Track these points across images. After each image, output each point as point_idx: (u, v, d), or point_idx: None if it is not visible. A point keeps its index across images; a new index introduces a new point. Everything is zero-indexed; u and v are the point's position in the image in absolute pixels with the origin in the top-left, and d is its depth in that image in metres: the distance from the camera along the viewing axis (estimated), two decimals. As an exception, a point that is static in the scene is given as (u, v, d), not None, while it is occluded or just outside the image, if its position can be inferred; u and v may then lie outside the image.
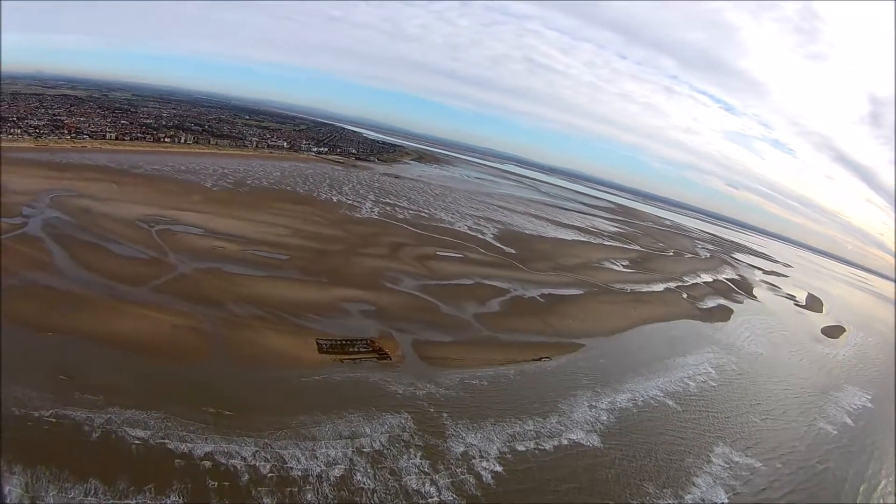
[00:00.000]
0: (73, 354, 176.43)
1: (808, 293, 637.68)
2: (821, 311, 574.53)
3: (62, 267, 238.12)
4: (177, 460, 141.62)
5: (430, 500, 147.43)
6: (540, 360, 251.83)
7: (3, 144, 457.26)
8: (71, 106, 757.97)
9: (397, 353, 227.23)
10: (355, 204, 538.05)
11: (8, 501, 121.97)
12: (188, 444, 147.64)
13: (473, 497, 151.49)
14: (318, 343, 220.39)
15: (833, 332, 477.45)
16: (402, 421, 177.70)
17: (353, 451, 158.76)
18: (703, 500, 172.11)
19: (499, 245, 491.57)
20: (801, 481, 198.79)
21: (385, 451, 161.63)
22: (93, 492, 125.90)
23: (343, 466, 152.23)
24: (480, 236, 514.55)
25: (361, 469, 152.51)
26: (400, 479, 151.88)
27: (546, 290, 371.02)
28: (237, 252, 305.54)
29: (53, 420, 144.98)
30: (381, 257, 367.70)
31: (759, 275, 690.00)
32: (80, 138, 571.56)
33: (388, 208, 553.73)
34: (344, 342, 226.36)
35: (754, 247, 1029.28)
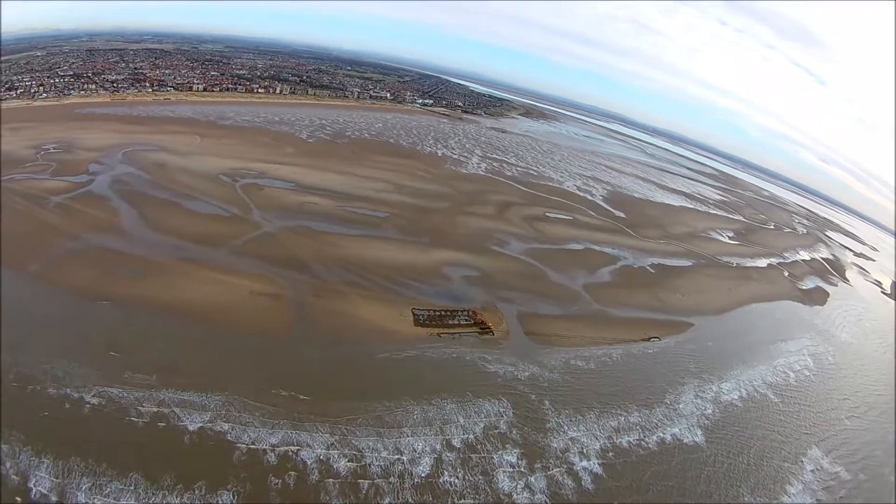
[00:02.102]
0: (129, 326, 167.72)
1: (893, 281, 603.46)
2: None
3: (128, 227, 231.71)
4: (236, 453, 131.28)
5: None
6: (649, 339, 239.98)
7: (75, 101, 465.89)
8: (156, 59, 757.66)
9: (501, 328, 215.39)
10: (461, 159, 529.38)
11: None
12: (251, 434, 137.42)
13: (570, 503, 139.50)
14: (414, 313, 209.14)
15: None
16: (500, 409, 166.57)
17: (442, 445, 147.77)
18: None
19: (608, 208, 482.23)
20: (875, 489, 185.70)
21: (478, 445, 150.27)
22: (133, 488, 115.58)
23: (428, 463, 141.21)
24: (589, 198, 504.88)
25: (450, 467, 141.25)
26: (491, 479, 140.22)
27: (656, 260, 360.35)
28: (331, 208, 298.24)
29: (96, 402, 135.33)
30: (488, 217, 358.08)
31: (850, 256, 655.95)
32: (162, 91, 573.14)
33: (495, 164, 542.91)
34: (443, 313, 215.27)
35: (844, 226, 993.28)
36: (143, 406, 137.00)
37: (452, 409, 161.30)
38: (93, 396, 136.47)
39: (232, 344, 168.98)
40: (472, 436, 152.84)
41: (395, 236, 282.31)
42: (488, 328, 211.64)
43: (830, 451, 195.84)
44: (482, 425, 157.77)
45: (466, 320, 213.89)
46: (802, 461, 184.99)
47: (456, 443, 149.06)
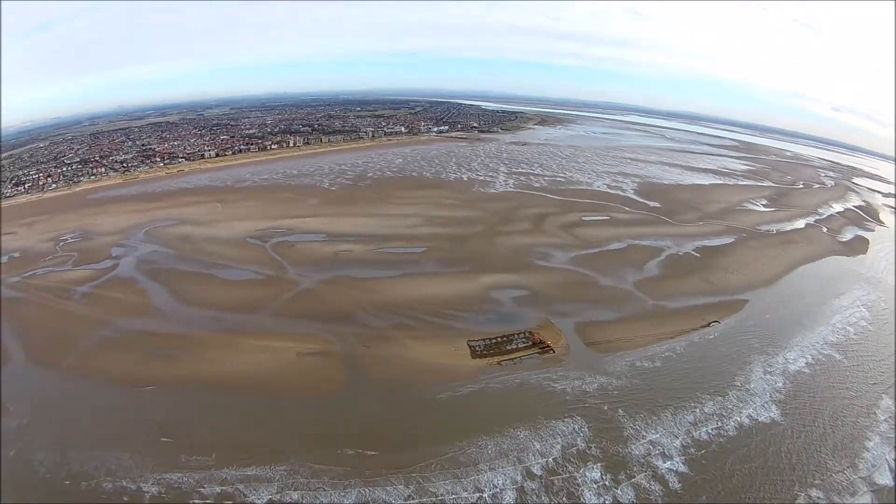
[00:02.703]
0: (177, 408, 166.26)
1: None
2: None
3: (161, 306, 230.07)
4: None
5: None
6: (708, 325, 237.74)
7: (86, 186, 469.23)
8: (163, 132, 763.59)
9: (560, 343, 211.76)
10: (487, 179, 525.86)
11: None
12: (323, 499, 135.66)
13: None
14: (470, 346, 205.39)
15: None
16: (575, 427, 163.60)
17: (522, 475, 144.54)
18: (875, 464, 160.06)
19: (641, 200, 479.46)
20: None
21: (559, 468, 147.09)
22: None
23: (511, 496, 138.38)
24: (621, 193, 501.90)
25: (534, 495, 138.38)
26: (578, 500, 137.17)
27: (699, 243, 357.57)
28: (366, 253, 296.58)
29: (155, 491, 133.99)
30: (525, 233, 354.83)
31: (879, 199, 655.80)
32: (174, 163, 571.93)
33: (522, 178, 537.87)
34: (500, 339, 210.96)
35: (868, 169, 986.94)
36: (205, 488, 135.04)
37: (526, 436, 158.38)
38: (151, 485, 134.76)
39: (287, 410, 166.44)
40: (550, 459, 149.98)
41: (435, 270, 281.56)
42: (548, 346, 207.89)
43: None
44: (559, 447, 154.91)
45: (524, 342, 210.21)
46: (876, 413, 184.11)
47: (536, 470, 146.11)
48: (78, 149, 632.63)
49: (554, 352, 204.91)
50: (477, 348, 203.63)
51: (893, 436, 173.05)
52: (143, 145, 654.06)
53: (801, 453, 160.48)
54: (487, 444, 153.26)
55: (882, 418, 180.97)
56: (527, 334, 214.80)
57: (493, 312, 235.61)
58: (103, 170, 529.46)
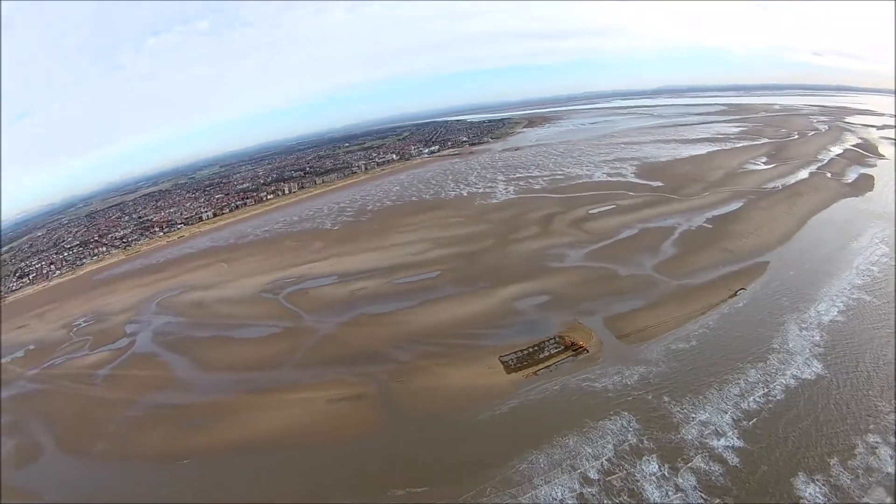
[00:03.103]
0: (217, 478, 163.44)
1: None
2: None
3: (183, 377, 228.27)
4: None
5: None
6: (735, 294, 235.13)
7: (90, 268, 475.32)
8: (157, 202, 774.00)
9: (592, 342, 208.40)
10: (487, 190, 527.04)
11: None
12: None
13: (724, 488, 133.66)
14: (502, 362, 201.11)
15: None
16: (624, 423, 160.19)
17: (580, 482, 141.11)
18: None
19: (643, 182, 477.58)
20: None
21: (615, 468, 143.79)
22: None
23: None
24: (622, 179, 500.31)
25: (595, 500, 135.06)
26: (640, 496, 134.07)
27: (708, 214, 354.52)
28: (380, 287, 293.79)
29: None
30: (535, 237, 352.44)
31: (875, 133, 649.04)
32: (174, 230, 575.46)
33: (521, 183, 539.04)
34: (531, 349, 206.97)
35: (857, 106, 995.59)
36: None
37: (576, 441, 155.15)
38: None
39: (329, 460, 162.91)
40: (604, 461, 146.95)
41: (453, 291, 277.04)
42: (580, 347, 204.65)
43: None
44: (611, 446, 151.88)
45: (556, 348, 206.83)
46: None
47: (592, 474, 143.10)
48: (76, 231, 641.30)
49: (588, 351, 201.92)
50: (510, 363, 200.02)
51: None
52: (139, 217, 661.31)
53: (850, 402, 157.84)
54: (538, 458, 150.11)
55: None
56: (557, 339, 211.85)
57: (518, 324, 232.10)
58: (104, 248, 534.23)
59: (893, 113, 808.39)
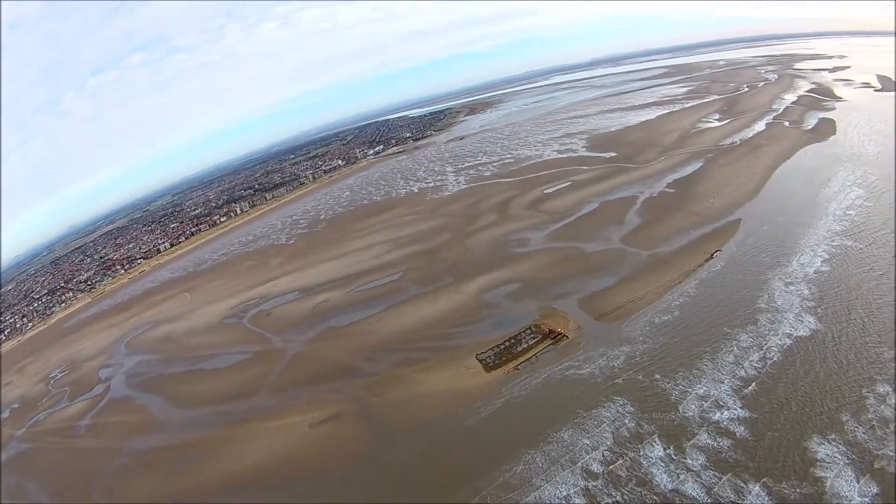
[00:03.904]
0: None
1: (877, 75, 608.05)
2: None
3: (163, 417, 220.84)
4: None
5: (695, 495, 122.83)
6: (712, 256, 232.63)
7: (60, 315, 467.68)
8: (116, 239, 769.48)
9: (571, 327, 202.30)
10: (438, 184, 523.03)
11: None
12: None
13: (736, 463, 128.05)
14: (480, 360, 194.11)
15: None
16: (618, 408, 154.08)
17: (583, 476, 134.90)
18: None
19: (596, 154, 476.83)
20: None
21: (617, 457, 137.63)
22: None
23: (580, 502, 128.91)
24: (574, 154, 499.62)
25: (603, 494, 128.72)
26: (650, 483, 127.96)
27: (669, 178, 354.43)
28: (344, 297, 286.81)
29: None
30: (494, 224, 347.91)
31: (827, 76, 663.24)
32: (134, 266, 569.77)
33: (471, 172, 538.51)
34: (508, 343, 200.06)
35: (805, 52, 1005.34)
36: None
37: (571, 435, 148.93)
38: None
39: (319, 487, 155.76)
40: (605, 451, 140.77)
41: (418, 292, 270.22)
42: (559, 334, 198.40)
43: None
44: (610, 435, 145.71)
45: (534, 338, 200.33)
46: None
47: (595, 467, 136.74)
48: (43, 280, 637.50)
49: (567, 338, 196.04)
50: (488, 360, 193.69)
51: None
52: (101, 258, 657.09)
53: (848, 353, 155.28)
54: (535, 457, 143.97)
55: None
56: (533, 329, 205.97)
57: (491, 317, 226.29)
58: (71, 294, 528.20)
59: (838, 55, 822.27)
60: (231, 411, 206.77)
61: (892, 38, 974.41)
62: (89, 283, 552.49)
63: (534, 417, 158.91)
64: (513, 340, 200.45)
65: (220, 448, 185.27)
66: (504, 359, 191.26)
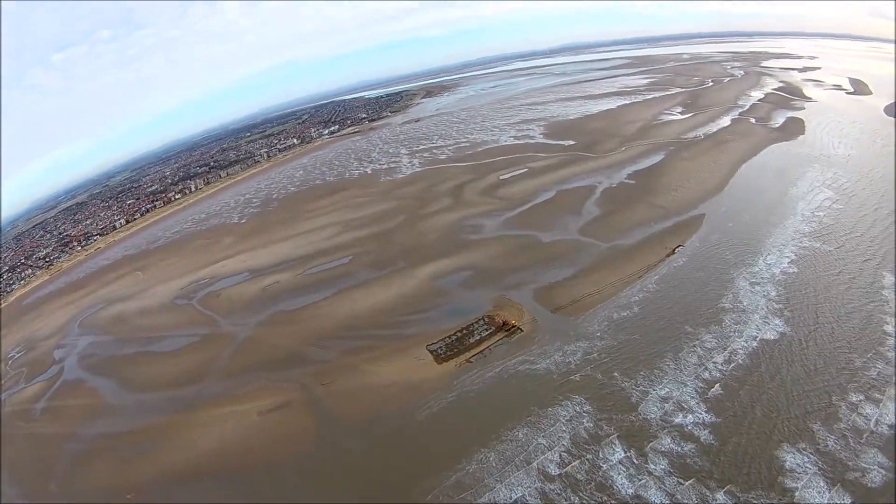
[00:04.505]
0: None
1: (849, 78, 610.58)
2: (871, 93, 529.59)
3: (114, 402, 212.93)
4: None
5: (657, 502, 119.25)
6: (673, 252, 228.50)
7: (19, 293, 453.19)
8: (74, 215, 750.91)
9: (525, 319, 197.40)
10: (392, 165, 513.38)
11: None
12: None
13: (702, 469, 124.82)
14: (430, 351, 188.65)
15: (894, 110, 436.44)
16: (575, 407, 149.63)
17: (539, 478, 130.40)
18: None
19: (554, 142, 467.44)
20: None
21: (575, 460, 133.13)
22: None
23: None
24: (531, 141, 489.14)
25: (560, 498, 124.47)
26: (610, 488, 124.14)
27: (629, 169, 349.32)
28: (293, 280, 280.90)
29: None
30: (448, 209, 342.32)
31: (797, 75, 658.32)
32: (90, 243, 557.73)
33: (426, 155, 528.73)
34: (460, 334, 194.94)
35: (773, 51, 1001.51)
36: None
37: (526, 434, 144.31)
38: None
39: (269, 482, 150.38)
40: (563, 453, 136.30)
41: (369, 276, 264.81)
42: (513, 327, 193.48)
43: None
44: (567, 436, 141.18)
45: (487, 330, 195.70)
46: (882, 293, 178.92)
47: (551, 469, 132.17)
48: (5, 256, 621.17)
49: (522, 330, 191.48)
50: (439, 351, 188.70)
51: None
52: (60, 234, 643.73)
53: (818, 360, 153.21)
54: (488, 456, 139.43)
55: (891, 297, 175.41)
56: (486, 320, 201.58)
57: (443, 306, 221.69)
58: (30, 271, 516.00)
59: (808, 56, 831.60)
60: (181, 396, 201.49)
61: (864, 43, 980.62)
62: (48, 259, 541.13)
63: (487, 414, 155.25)
64: (465, 331, 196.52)
65: (169, 435, 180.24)
66: (456, 350, 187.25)
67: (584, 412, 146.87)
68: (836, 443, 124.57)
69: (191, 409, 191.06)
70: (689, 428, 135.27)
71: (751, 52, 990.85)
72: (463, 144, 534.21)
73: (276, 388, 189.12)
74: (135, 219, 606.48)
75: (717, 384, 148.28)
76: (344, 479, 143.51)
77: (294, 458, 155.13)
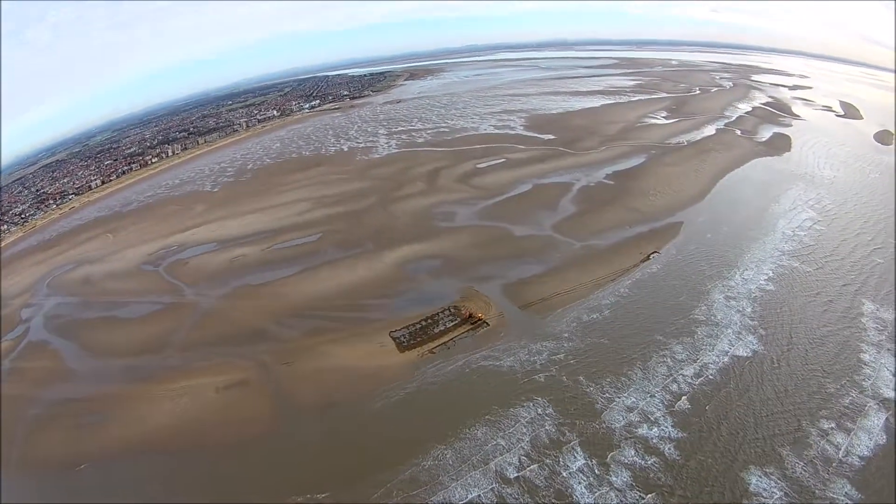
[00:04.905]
0: (114, 486, 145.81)
1: (840, 101, 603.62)
2: (861, 118, 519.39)
3: (75, 366, 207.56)
4: None
5: None
6: (649, 257, 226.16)
7: None
8: (53, 173, 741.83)
9: (492, 313, 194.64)
10: (369, 145, 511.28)
11: None
12: None
13: (664, 485, 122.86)
14: (393, 338, 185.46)
15: (884, 137, 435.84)
16: (538, 410, 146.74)
17: (496, 480, 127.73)
18: (877, 383, 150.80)
19: (534, 135, 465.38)
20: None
21: (534, 465, 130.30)
22: None
23: None
24: (511, 132, 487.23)
25: (517, 502, 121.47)
26: (570, 498, 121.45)
27: (608, 169, 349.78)
28: (260, 254, 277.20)
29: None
30: (422, 194, 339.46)
31: (787, 92, 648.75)
32: (66, 202, 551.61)
33: (404, 137, 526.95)
34: (424, 323, 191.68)
35: (764, 65, 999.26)
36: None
37: (486, 433, 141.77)
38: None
39: (222, 463, 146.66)
40: (521, 455, 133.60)
41: (336, 256, 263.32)
42: (479, 320, 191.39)
43: (878, 298, 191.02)
44: (528, 438, 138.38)
45: (452, 321, 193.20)
46: (861, 321, 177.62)
47: (509, 472, 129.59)
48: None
49: (488, 324, 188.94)
50: (402, 339, 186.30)
51: (886, 342, 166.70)
52: (37, 191, 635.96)
53: (789, 381, 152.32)
54: (445, 453, 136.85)
55: (871, 326, 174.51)
56: (452, 310, 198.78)
57: (409, 292, 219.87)
58: (5, 227, 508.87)
59: (799, 74, 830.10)
60: (139, 366, 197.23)
61: (857, 67, 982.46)
62: (23, 216, 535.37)
63: (446, 408, 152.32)
64: (430, 321, 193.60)
65: (125, 406, 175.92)
66: (419, 340, 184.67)
67: (546, 415, 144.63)
68: (804, 469, 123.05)
69: (148, 380, 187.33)
70: (654, 441, 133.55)
71: (741, 65, 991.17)
72: (442, 129, 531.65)
73: (234, 365, 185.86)
74: (111, 180, 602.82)
75: (685, 397, 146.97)
76: (296, 467, 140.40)
77: (248, 441, 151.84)
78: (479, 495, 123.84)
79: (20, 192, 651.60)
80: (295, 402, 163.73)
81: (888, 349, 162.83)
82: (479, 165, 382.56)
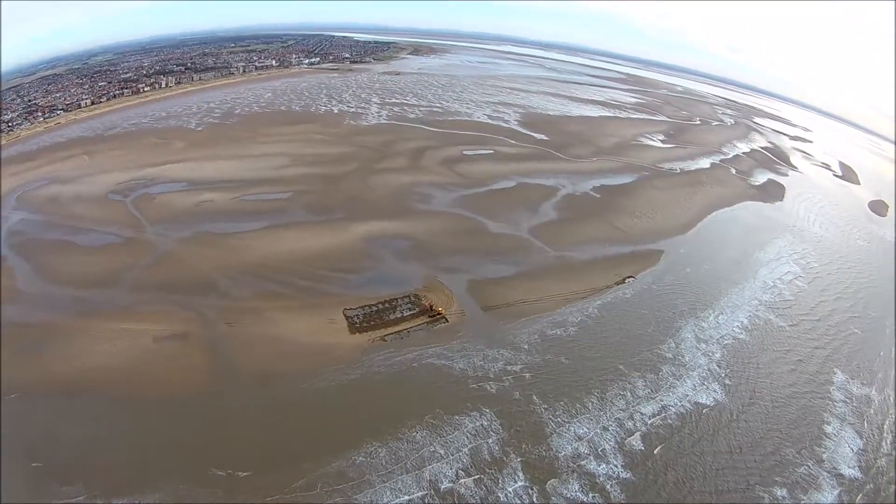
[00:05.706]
0: (41, 422, 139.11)
1: (840, 161, 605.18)
2: (858, 183, 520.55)
3: (25, 288, 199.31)
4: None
5: None
6: (623, 281, 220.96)
7: None
8: (48, 85, 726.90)
9: (453, 309, 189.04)
10: (359, 111, 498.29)
11: None
12: None
13: None
14: (347, 317, 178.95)
15: (879, 208, 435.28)
16: (484, 422, 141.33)
17: (428, 488, 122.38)
18: (836, 457, 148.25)
19: (527, 132, 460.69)
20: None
21: (471, 480, 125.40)
22: None
23: None
24: (504, 125, 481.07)
25: None
26: None
27: (597, 182, 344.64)
28: (228, 203, 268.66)
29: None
30: (403, 170, 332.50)
31: (787, 141, 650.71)
32: (53, 116, 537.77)
33: (396, 109, 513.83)
34: (381, 306, 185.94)
35: (768, 110, 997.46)
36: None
37: (425, 436, 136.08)
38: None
39: (152, 416, 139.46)
40: (459, 468, 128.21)
41: (304, 219, 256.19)
42: (438, 314, 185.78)
43: (849, 369, 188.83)
44: (468, 450, 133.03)
45: (411, 310, 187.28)
46: (828, 389, 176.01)
47: (443, 482, 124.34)
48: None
49: (447, 320, 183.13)
50: (355, 319, 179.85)
51: (851, 416, 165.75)
52: (29, 101, 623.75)
53: (744, 438, 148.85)
54: (379, 451, 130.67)
55: (839, 397, 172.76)
56: (412, 298, 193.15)
57: (371, 270, 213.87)
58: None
59: (802, 127, 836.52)
60: (86, 299, 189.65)
61: (861, 132, 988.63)
62: (10, 124, 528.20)
63: (388, 402, 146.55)
64: (387, 305, 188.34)
65: (64, 339, 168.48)
66: (373, 323, 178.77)
67: (491, 429, 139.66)
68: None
69: (91, 315, 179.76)
70: (600, 479, 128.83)
71: (745, 105, 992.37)
72: (436, 109, 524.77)
73: (178, 315, 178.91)
74: (101, 101, 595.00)
75: (638, 435, 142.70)
76: (223, 438, 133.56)
77: (178, 400, 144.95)
78: (408, 501, 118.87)
79: (13, 99, 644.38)
80: (232, 367, 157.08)
81: (851, 424, 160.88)
82: (466, 152, 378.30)
